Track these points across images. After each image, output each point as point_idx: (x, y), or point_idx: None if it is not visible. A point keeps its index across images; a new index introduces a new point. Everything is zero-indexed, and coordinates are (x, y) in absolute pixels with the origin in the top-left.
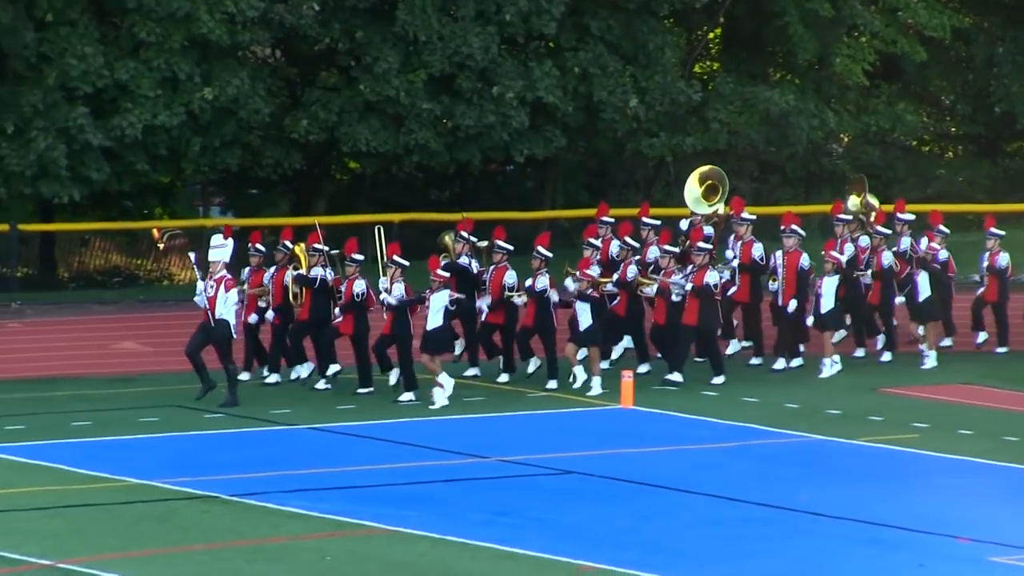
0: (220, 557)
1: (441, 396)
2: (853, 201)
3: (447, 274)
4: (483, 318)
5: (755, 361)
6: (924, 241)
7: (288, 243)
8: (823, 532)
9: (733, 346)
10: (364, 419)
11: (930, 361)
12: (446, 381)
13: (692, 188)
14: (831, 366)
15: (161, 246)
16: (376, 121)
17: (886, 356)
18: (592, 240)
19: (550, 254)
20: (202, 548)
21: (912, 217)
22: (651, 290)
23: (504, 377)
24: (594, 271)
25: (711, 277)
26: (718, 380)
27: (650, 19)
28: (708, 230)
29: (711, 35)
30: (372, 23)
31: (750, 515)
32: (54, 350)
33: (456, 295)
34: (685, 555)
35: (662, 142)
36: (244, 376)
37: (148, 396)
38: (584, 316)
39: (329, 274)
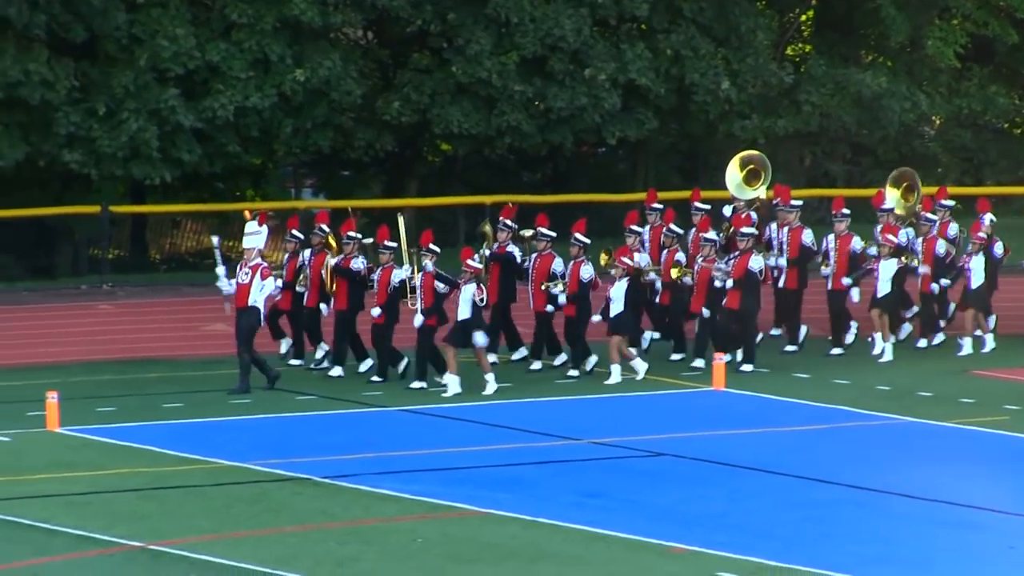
0: (311, 539)
1: (454, 385)
2: (893, 194)
3: (480, 265)
4: (532, 306)
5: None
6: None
7: (324, 227)
8: (913, 514)
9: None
10: (456, 401)
11: (966, 348)
12: (451, 379)
13: (733, 173)
14: (888, 349)
15: None
16: (468, 103)
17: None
18: (634, 227)
19: (587, 240)
20: (293, 530)
21: (952, 203)
22: (688, 278)
23: (592, 360)
24: (643, 259)
25: (755, 263)
26: (747, 368)
27: (742, 1)
28: (753, 216)
29: (803, 17)
30: (464, 5)
31: (841, 497)
32: (145, 332)
33: (481, 295)
34: (775, 537)
35: (754, 124)
36: (296, 361)
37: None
38: (617, 303)
39: (363, 263)
